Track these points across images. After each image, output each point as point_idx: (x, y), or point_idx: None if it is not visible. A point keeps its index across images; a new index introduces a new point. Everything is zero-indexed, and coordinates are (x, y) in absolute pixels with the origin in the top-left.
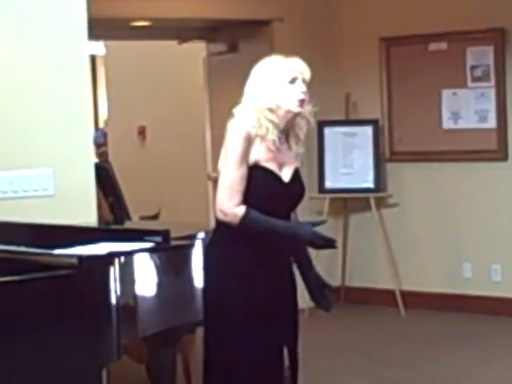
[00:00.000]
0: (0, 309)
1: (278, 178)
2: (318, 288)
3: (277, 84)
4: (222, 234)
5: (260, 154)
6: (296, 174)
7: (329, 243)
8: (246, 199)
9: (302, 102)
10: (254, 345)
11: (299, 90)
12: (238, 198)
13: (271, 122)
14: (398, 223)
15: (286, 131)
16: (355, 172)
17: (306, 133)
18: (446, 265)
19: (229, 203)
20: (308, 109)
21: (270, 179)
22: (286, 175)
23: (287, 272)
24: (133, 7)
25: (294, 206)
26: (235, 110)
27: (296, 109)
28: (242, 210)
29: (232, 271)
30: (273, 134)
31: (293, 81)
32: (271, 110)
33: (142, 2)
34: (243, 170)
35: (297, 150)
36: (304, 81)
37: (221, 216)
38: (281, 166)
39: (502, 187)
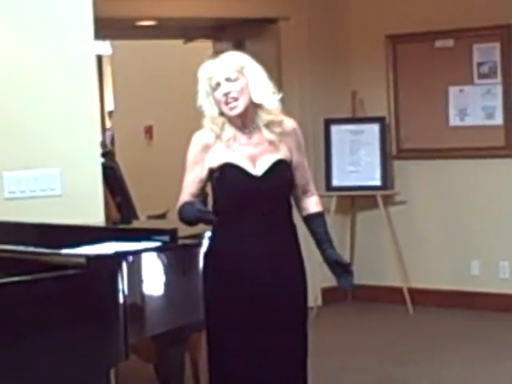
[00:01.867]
0: (8, 308)
1: (247, 173)
2: (334, 265)
3: (209, 94)
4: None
5: (225, 154)
6: (277, 166)
7: (207, 219)
8: (221, 199)
9: (231, 105)
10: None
11: (221, 94)
12: (184, 199)
13: (218, 125)
14: (405, 221)
15: (254, 122)
16: (362, 170)
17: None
18: (453, 262)
19: (177, 204)
20: (258, 95)
21: (237, 175)
22: (260, 168)
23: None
24: (139, 7)
25: (276, 199)
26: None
27: (229, 112)
28: (177, 208)
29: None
30: (227, 134)
31: (217, 86)
32: (214, 117)
33: (148, 1)
34: (195, 174)
35: (272, 137)
36: (229, 79)
37: None
38: (254, 159)
39: (509, 184)
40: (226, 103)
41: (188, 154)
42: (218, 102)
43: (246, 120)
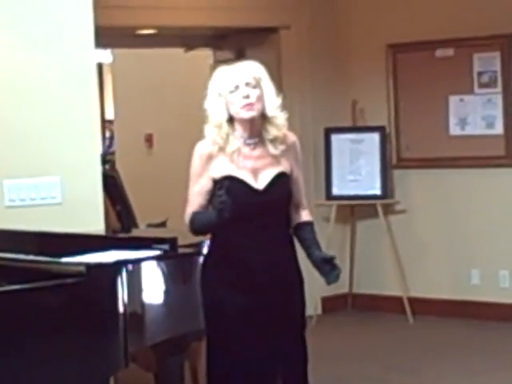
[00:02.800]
0: (8, 317)
1: (249, 187)
2: (321, 263)
3: (222, 97)
4: (212, 242)
5: (227, 167)
6: (278, 179)
7: (220, 199)
8: None
9: (248, 107)
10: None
11: (241, 96)
12: (191, 210)
13: (224, 136)
14: (405, 230)
15: (259, 135)
16: (362, 179)
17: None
18: (453, 271)
19: (185, 216)
20: (272, 108)
21: (238, 188)
22: (262, 182)
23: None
24: (139, 15)
25: (277, 212)
26: (204, 130)
27: (245, 114)
28: (187, 219)
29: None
30: (231, 147)
31: (235, 89)
32: (221, 126)
33: (149, 10)
34: (201, 185)
35: (276, 152)
36: (249, 84)
37: (187, 228)
38: (256, 172)
39: (509, 193)
40: (243, 106)
41: (192, 166)
42: (231, 105)
43: (253, 130)
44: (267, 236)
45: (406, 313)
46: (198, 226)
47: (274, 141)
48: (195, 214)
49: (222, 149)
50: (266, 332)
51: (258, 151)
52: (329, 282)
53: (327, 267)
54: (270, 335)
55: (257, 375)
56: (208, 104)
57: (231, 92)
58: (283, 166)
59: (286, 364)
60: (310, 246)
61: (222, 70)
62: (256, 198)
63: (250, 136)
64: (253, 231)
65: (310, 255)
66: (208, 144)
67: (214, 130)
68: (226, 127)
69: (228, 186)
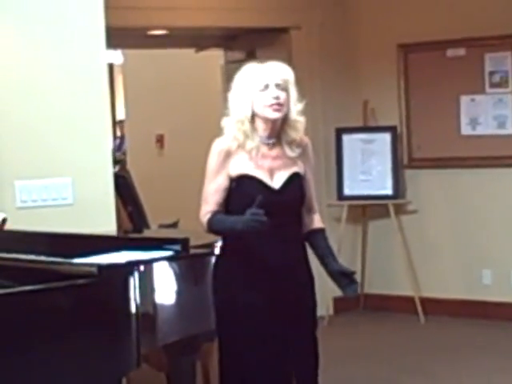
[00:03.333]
0: (20, 318)
1: (265, 186)
2: (339, 276)
3: (250, 93)
4: (225, 242)
5: (245, 164)
6: (292, 179)
7: (258, 218)
8: (238, 210)
9: (276, 107)
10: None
11: (271, 96)
12: (208, 208)
13: (245, 132)
14: (416, 230)
15: (278, 136)
16: (373, 179)
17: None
18: (465, 271)
19: (201, 215)
20: (295, 112)
21: (256, 187)
22: (277, 181)
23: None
24: (150, 16)
25: (292, 212)
26: (222, 123)
27: (272, 115)
28: (206, 218)
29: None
30: (251, 144)
31: (265, 88)
32: (243, 122)
33: (160, 11)
34: (218, 183)
35: (293, 154)
36: (278, 86)
37: (203, 227)
38: (272, 172)
39: None
40: (271, 105)
41: (209, 162)
42: (258, 103)
43: (273, 130)
44: (281, 235)
45: (418, 313)
46: (217, 229)
47: (291, 143)
48: (216, 217)
49: (241, 145)
50: (278, 331)
51: (275, 151)
52: (347, 295)
53: (345, 280)
54: (283, 334)
55: (270, 375)
56: (233, 98)
57: (261, 90)
58: (298, 168)
59: (297, 364)
60: (326, 256)
61: (253, 67)
62: (272, 197)
63: (269, 136)
64: (267, 230)
65: (326, 265)
66: (227, 140)
67: (235, 125)
68: (247, 124)
69: (262, 201)
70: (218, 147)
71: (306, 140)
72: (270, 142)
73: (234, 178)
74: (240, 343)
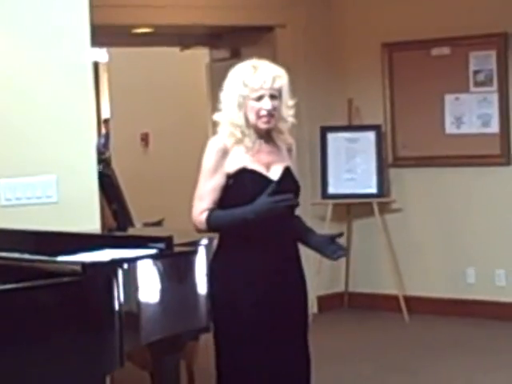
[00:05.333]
0: (3, 316)
1: (265, 178)
2: (325, 244)
3: (243, 100)
4: (223, 241)
5: (242, 159)
6: (287, 172)
7: (287, 198)
8: (238, 205)
9: (267, 119)
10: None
11: (264, 108)
12: (205, 205)
13: (242, 131)
14: (401, 228)
15: (269, 133)
16: (358, 177)
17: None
18: (449, 270)
19: (196, 213)
20: (286, 117)
21: (257, 180)
22: (274, 174)
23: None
24: (135, 14)
25: (289, 205)
26: (215, 117)
27: (262, 126)
28: (205, 215)
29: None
30: (249, 140)
31: (259, 99)
32: (238, 124)
33: (145, 9)
34: (215, 181)
35: (285, 147)
36: (273, 96)
37: (195, 226)
38: (268, 166)
39: (505, 192)
40: (262, 117)
41: (205, 161)
42: (250, 111)
43: (265, 132)
44: (281, 228)
45: (402, 311)
46: (218, 224)
47: (280, 136)
48: (215, 214)
49: (238, 141)
50: (270, 331)
51: (269, 146)
52: (336, 258)
53: (332, 246)
54: (276, 334)
55: (263, 374)
56: (226, 101)
57: (255, 100)
58: (288, 163)
59: (290, 364)
60: (306, 232)
61: (248, 72)
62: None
63: (261, 135)
64: (267, 223)
65: (308, 240)
66: (223, 138)
67: (230, 126)
68: (243, 124)
69: (275, 188)
70: (214, 146)
71: (292, 140)
72: (263, 138)
73: (232, 174)
74: (235, 342)
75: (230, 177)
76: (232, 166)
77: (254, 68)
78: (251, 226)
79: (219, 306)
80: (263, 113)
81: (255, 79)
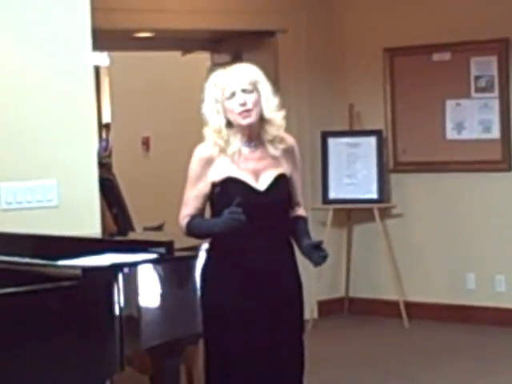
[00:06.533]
0: (3, 320)
1: (250, 188)
2: (312, 251)
3: (219, 102)
4: (214, 244)
5: (228, 168)
6: (278, 181)
7: (237, 217)
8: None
9: (245, 114)
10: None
11: (238, 103)
12: (187, 211)
13: (225, 140)
14: (401, 234)
15: (259, 137)
16: (359, 183)
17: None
18: (449, 275)
19: (180, 217)
20: (268, 109)
21: (241, 190)
22: (263, 183)
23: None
24: (137, 19)
25: (278, 213)
26: (203, 132)
27: (243, 122)
28: (185, 221)
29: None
30: (233, 148)
31: (231, 96)
32: (220, 131)
33: (146, 13)
34: (198, 189)
35: (276, 153)
36: (245, 90)
37: (181, 230)
38: (257, 173)
39: (506, 198)
40: (240, 113)
41: (190, 169)
42: (228, 112)
43: (252, 133)
44: (268, 238)
45: (402, 317)
46: (195, 232)
47: (273, 141)
48: (194, 221)
49: (222, 150)
50: (265, 335)
51: (258, 152)
52: (315, 263)
53: (316, 253)
54: (270, 339)
55: (256, 379)
56: (206, 109)
57: (228, 99)
58: (283, 168)
59: (283, 368)
60: (301, 237)
61: (218, 76)
62: (257, 199)
63: (250, 139)
64: (253, 232)
65: (300, 246)
66: (208, 147)
67: (213, 135)
68: (225, 131)
69: (240, 202)
70: (199, 154)
71: (292, 141)
72: (252, 144)
73: (217, 182)
74: (227, 347)
75: (216, 185)
76: (217, 174)
77: (225, 70)
78: (225, 236)
79: (208, 311)
80: (239, 109)
81: (224, 78)
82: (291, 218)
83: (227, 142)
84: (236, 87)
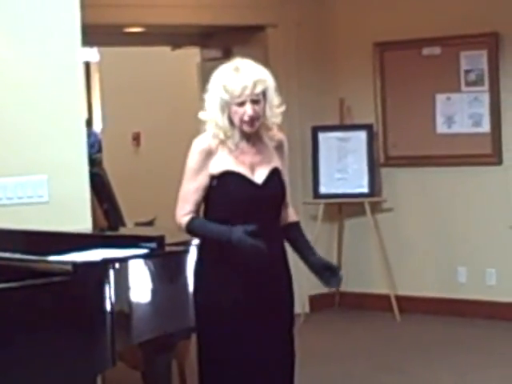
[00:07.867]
0: None
1: (249, 181)
2: (322, 271)
3: (226, 103)
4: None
5: (227, 161)
6: (274, 174)
7: (256, 248)
8: (220, 207)
9: (250, 123)
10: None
11: (247, 114)
12: (188, 208)
13: (225, 132)
14: (392, 228)
15: (256, 133)
16: (349, 177)
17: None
18: (440, 269)
19: (179, 213)
20: (271, 115)
21: (239, 183)
22: (259, 177)
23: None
24: (126, 14)
25: (274, 207)
26: (200, 116)
27: (246, 129)
28: (186, 219)
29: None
30: (232, 141)
31: (241, 104)
32: (222, 127)
33: (136, 8)
34: (199, 182)
35: (273, 144)
36: (255, 101)
37: (177, 225)
38: (253, 167)
39: (496, 191)
40: (246, 122)
41: (189, 161)
42: (233, 113)
43: (251, 133)
44: (263, 232)
45: (394, 311)
46: (199, 233)
47: (267, 129)
48: (198, 221)
49: (222, 142)
50: (256, 328)
51: (255, 147)
52: (330, 287)
53: (327, 273)
54: (260, 332)
55: (249, 372)
56: (210, 103)
57: (237, 105)
58: (275, 163)
59: (274, 362)
60: (305, 249)
61: (227, 77)
62: (256, 192)
63: (248, 138)
64: (251, 219)
65: (306, 259)
66: (208, 139)
67: (215, 128)
68: (228, 127)
69: (253, 230)
70: (198, 146)
71: (282, 136)
72: (250, 138)
73: (216, 175)
74: (219, 340)
75: (213, 178)
76: (216, 167)
77: (236, 71)
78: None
79: (201, 305)
80: (246, 118)
81: (236, 85)
82: (286, 224)
83: (227, 135)
84: (247, 97)
